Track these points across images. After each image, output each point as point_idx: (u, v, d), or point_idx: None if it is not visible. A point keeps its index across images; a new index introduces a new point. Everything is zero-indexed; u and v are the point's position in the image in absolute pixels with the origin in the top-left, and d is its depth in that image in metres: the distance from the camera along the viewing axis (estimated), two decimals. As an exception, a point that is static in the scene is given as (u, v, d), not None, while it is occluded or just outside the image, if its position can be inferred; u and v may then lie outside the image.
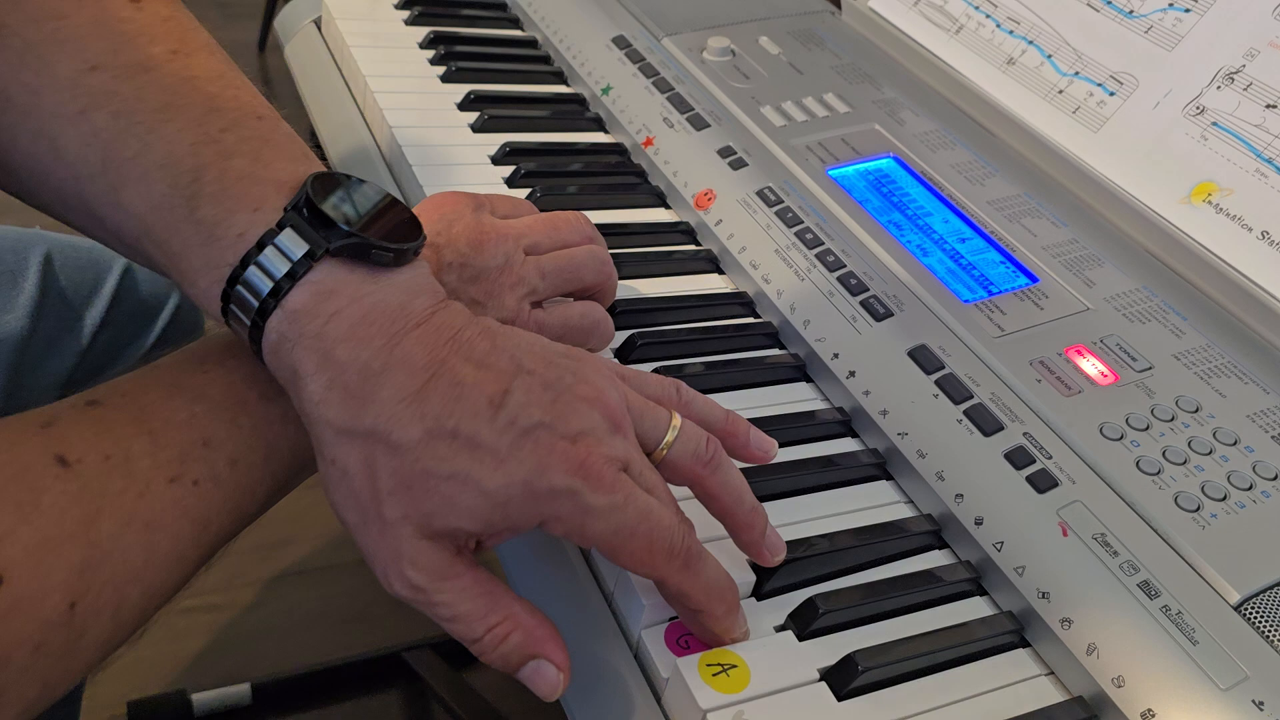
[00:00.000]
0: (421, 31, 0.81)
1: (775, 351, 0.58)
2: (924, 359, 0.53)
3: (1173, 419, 0.50)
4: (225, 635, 1.21)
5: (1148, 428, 0.50)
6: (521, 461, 0.37)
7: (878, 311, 0.56)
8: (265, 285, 0.38)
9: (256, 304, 0.38)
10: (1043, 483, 0.47)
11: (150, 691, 1.12)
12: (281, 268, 0.38)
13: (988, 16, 0.74)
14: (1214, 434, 0.50)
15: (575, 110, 0.76)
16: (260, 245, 0.38)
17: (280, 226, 0.38)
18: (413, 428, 0.37)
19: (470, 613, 0.39)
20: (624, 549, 0.38)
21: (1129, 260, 0.60)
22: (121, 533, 0.36)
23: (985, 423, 0.50)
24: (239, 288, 0.38)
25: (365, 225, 0.39)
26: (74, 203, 0.42)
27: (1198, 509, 0.46)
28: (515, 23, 0.87)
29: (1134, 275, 0.59)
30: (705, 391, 0.53)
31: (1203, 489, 0.47)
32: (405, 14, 0.84)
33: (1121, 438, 0.49)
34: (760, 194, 0.64)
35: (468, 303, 0.48)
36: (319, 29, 0.84)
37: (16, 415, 0.38)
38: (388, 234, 0.40)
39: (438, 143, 0.70)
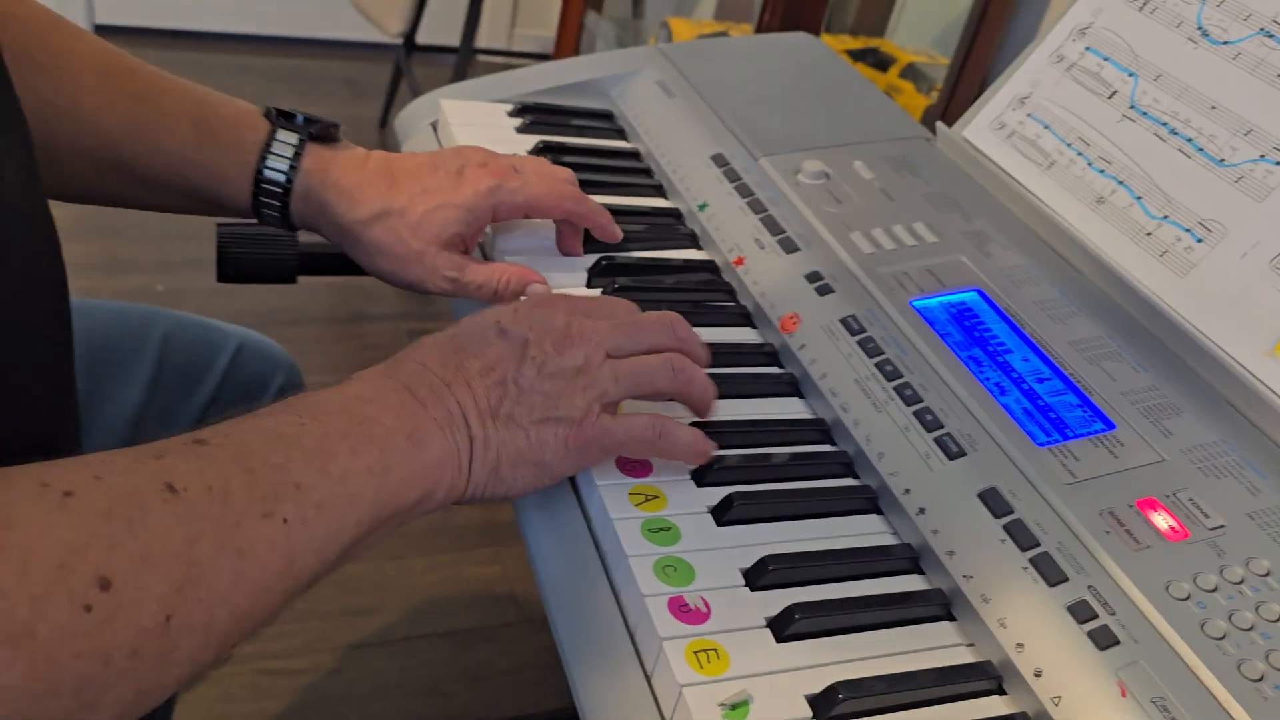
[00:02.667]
0: (531, 140, 0.86)
1: (849, 481, 0.60)
2: (993, 502, 0.54)
3: (1242, 581, 0.50)
4: (305, 699, 1.25)
5: (1215, 589, 0.50)
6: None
7: (951, 449, 0.57)
8: (283, 164, 0.66)
9: (284, 174, 0.66)
10: (1104, 639, 0.48)
11: (230, 747, 1.16)
12: (289, 150, 0.66)
13: (1079, 154, 0.75)
14: (1285, 600, 0.50)
15: (671, 224, 0.80)
16: (268, 143, 0.67)
17: (274, 129, 0.67)
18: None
19: (485, 278, 0.67)
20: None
21: (1209, 412, 0.60)
22: (216, 556, 0.40)
23: (1050, 572, 0.51)
24: (267, 170, 0.66)
25: (315, 123, 0.68)
26: (109, 167, 0.66)
27: (1261, 679, 0.46)
28: (620, 134, 0.91)
29: (1213, 427, 0.59)
30: (777, 520, 0.56)
31: (1267, 658, 0.47)
32: (517, 122, 0.89)
33: (1188, 598, 0.49)
34: (844, 321, 0.66)
35: (541, 399, 0.52)
36: (435, 131, 0.89)
37: (134, 448, 0.42)
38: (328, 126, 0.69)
39: (538, 250, 0.74)
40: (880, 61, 1.64)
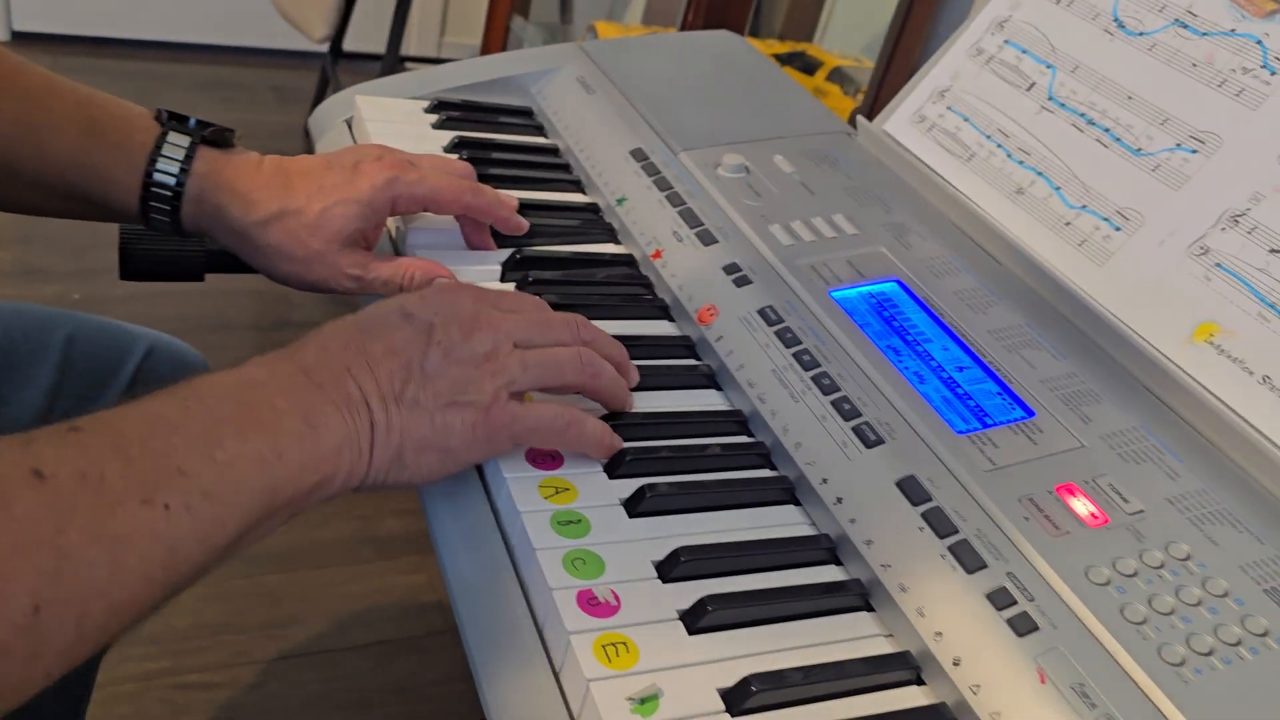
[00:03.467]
0: (447, 135, 0.84)
1: (766, 473, 0.58)
2: (912, 490, 0.53)
3: (1161, 566, 0.50)
4: (222, 715, 1.20)
5: (1135, 574, 0.49)
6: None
7: (869, 438, 0.56)
8: (174, 166, 0.63)
9: (174, 177, 0.63)
10: (1023, 626, 0.47)
11: (142, 767, 1.12)
12: (180, 153, 0.64)
13: (999, 146, 0.75)
14: (1203, 584, 0.49)
15: (590, 219, 0.78)
16: (158, 145, 0.64)
17: (165, 132, 0.64)
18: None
19: (390, 273, 0.65)
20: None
21: (1127, 398, 0.60)
22: (89, 545, 0.38)
23: (969, 560, 0.50)
24: (156, 174, 0.63)
25: (207, 126, 0.66)
26: None
27: (1181, 663, 0.45)
28: (540, 130, 0.90)
29: (1132, 414, 0.59)
30: (692, 511, 0.54)
31: (1188, 642, 0.46)
32: (434, 118, 0.86)
33: (1107, 583, 0.49)
34: (762, 312, 0.65)
35: (447, 384, 0.51)
36: (350, 128, 0.87)
37: (2, 436, 0.40)
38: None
39: (452, 245, 0.72)
40: (807, 65, 1.64)
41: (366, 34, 2.52)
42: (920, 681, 0.48)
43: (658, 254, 0.72)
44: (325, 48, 2.25)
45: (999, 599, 0.48)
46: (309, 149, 2.46)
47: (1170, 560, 0.50)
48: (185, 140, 0.64)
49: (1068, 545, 0.50)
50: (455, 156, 0.80)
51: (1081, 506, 0.52)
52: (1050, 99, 0.73)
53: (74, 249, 1.94)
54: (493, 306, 0.55)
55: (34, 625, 0.36)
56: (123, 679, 1.21)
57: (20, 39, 2.68)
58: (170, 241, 0.71)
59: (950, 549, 0.50)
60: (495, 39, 1.96)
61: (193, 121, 0.66)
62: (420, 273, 0.66)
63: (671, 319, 0.69)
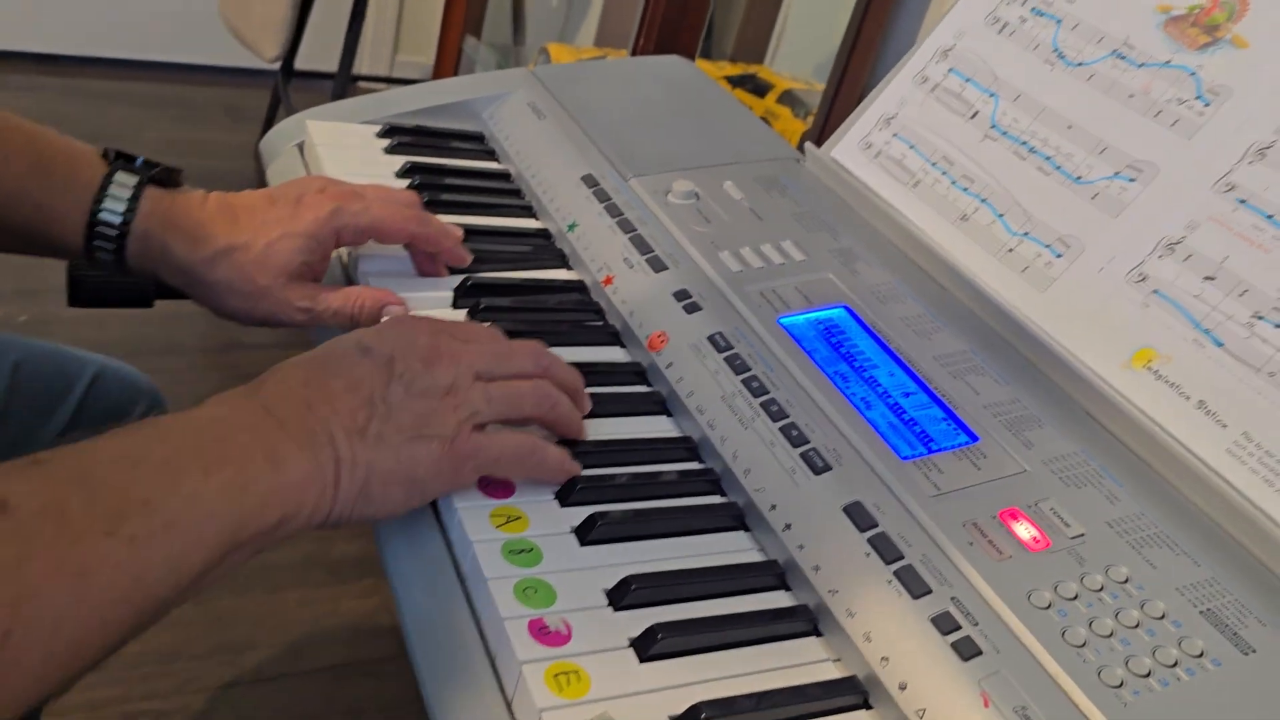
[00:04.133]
0: (399, 161, 0.84)
1: (716, 499, 0.59)
2: (858, 515, 0.54)
3: (1101, 589, 0.51)
4: (172, 745, 1.19)
5: (1076, 597, 0.50)
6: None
7: (816, 465, 0.57)
8: (120, 205, 0.63)
9: (120, 215, 0.63)
10: (967, 650, 0.48)
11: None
12: (126, 192, 0.63)
13: (943, 173, 0.76)
14: (1141, 606, 0.50)
15: (541, 245, 0.78)
16: (104, 184, 0.63)
17: (113, 171, 0.64)
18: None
19: (340, 304, 0.66)
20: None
21: (1069, 423, 0.61)
22: (52, 575, 0.38)
23: (914, 585, 0.50)
24: (102, 213, 0.63)
25: (154, 166, 0.65)
26: None
27: (1120, 685, 0.46)
28: (491, 155, 0.90)
29: (1073, 438, 0.60)
30: (643, 539, 0.54)
31: (1126, 664, 0.47)
32: (385, 143, 0.86)
33: (1049, 606, 0.50)
34: (711, 339, 0.65)
35: (411, 418, 0.51)
36: (301, 153, 0.87)
37: None
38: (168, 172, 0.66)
39: (403, 272, 0.72)
40: (758, 88, 1.66)
41: (319, 53, 2.51)
42: (868, 706, 0.49)
43: (608, 280, 0.73)
44: (277, 66, 2.23)
45: (943, 623, 0.49)
46: (261, 170, 2.44)
47: (1110, 583, 0.51)
48: (132, 180, 0.64)
49: (1010, 569, 0.51)
50: (406, 183, 0.81)
51: (1024, 530, 0.54)
52: (993, 127, 0.75)
53: (18, 269, 1.91)
54: (451, 337, 0.55)
55: (5, 645, 0.36)
56: (71, 708, 1.19)
57: (-31, 56, 2.64)
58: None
59: (896, 574, 0.51)
60: (448, 59, 1.96)
61: (140, 160, 0.66)
62: (370, 301, 0.66)
63: (623, 345, 0.70)
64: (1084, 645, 0.48)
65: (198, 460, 0.45)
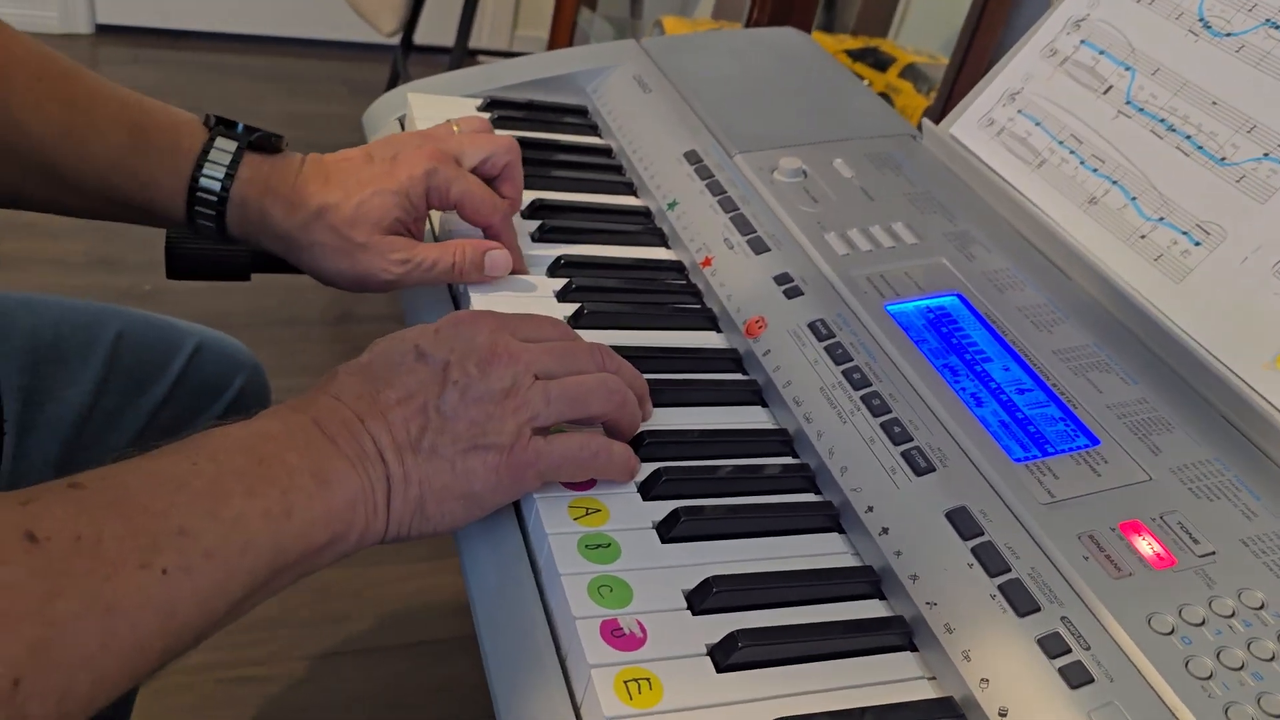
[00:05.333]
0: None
1: (810, 497, 0.55)
2: (962, 522, 0.50)
3: (1232, 615, 0.46)
4: (269, 708, 1.21)
5: (1203, 622, 0.46)
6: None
7: (919, 465, 0.53)
8: (219, 171, 0.63)
9: (219, 182, 0.63)
10: (1076, 677, 0.43)
11: (187, 756, 1.13)
12: (226, 158, 0.63)
13: (1071, 152, 0.70)
14: (1278, 636, 0.45)
15: (640, 224, 0.76)
16: (205, 150, 0.63)
17: (213, 137, 0.64)
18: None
19: (438, 254, 0.64)
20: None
21: (1202, 427, 0.56)
22: (81, 614, 0.36)
23: (1020, 601, 0.46)
24: (203, 179, 0.63)
25: (255, 132, 0.65)
26: (36, 171, 0.63)
27: (1250, 724, 0.42)
28: (594, 130, 0.87)
29: (1206, 445, 0.55)
30: (729, 538, 0.51)
31: (1259, 702, 0.43)
32: (485, 116, 0.85)
33: (1171, 632, 0.45)
34: (812, 326, 0.62)
35: (467, 426, 0.48)
36: (402, 126, 0.86)
37: (5, 493, 0.38)
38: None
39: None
40: (880, 62, 1.59)
41: (438, 27, 2.52)
42: (965, 731, 0.45)
43: (707, 261, 0.70)
44: (396, 40, 2.25)
45: (1052, 645, 0.45)
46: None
47: (1243, 609, 0.46)
48: (232, 145, 0.64)
49: (1130, 588, 0.47)
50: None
51: (1146, 546, 0.49)
52: (1128, 103, 0.69)
53: (143, 240, 1.96)
54: (512, 334, 0.52)
55: (11, 698, 0.34)
56: (179, 669, 1.21)
57: (103, 31, 2.74)
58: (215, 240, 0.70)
59: (1001, 588, 0.47)
60: (562, 32, 1.94)
61: (240, 127, 0.65)
62: (471, 249, 0.64)
63: (719, 330, 0.67)
64: (1210, 678, 0.43)
65: (242, 482, 0.43)
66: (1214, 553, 0.49)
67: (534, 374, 0.51)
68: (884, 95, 1.56)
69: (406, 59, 2.24)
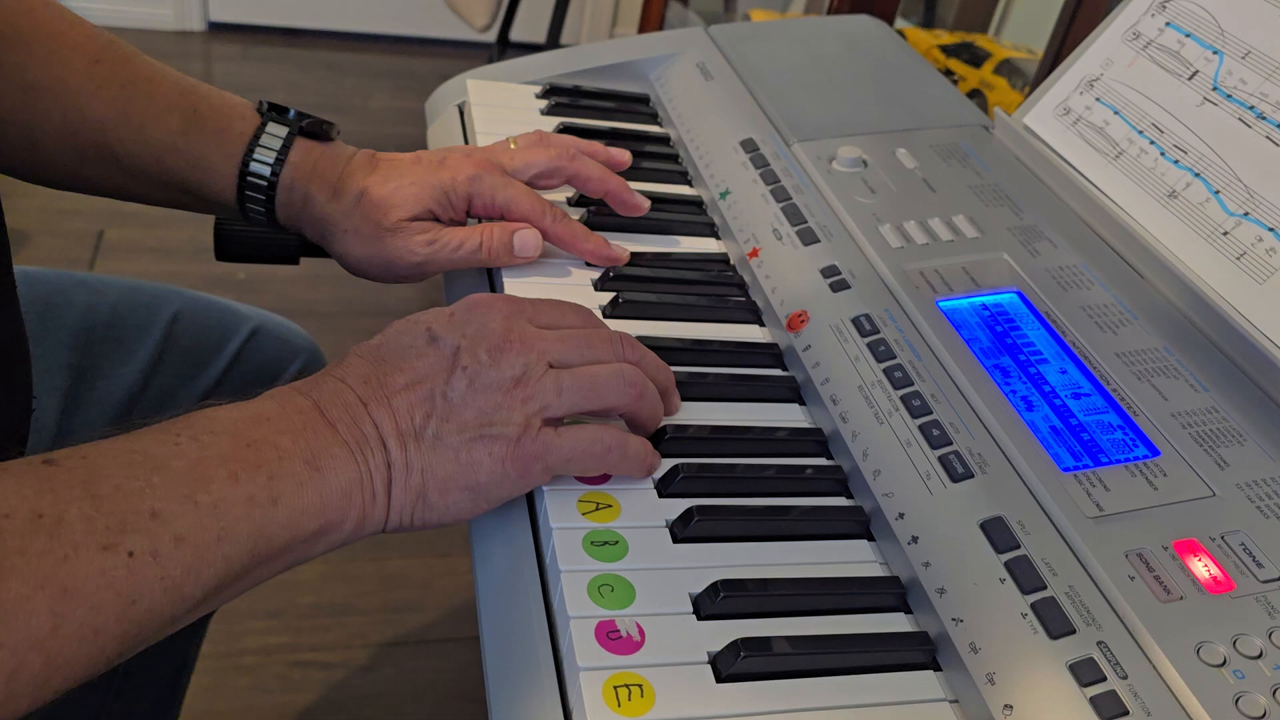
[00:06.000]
0: (554, 121, 0.80)
1: (840, 501, 0.52)
2: (997, 533, 0.46)
3: (1295, 648, 0.41)
4: (334, 695, 1.21)
5: (1260, 655, 0.41)
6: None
7: (955, 470, 0.49)
8: (270, 155, 0.63)
9: (269, 167, 0.63)
10: (1109, 709, 0.39)
11: (252, 741, 1.14)
12: (276, 143, 0.63)
13: (1152, 143, 0.66)
14: (1348, 674, 0.41)
15: (691, 214, 0.73)
16: (257, 135, 0.63)
17: (264, 122, 0.64)
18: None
19: (465, 235, 0.62)
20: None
21: (1278, 441, 0.51)
22: (31, 596, 0.35)
23: (1054, 622, 0.43)
24: (253, 163, 0.63)
25: (306, 118, 0.65)
26: (93, 153, 0.63)
27: (1306, 772, 0.37)
28: (654, 118, 0.85)
29: (1282, 460, 0.50)
30: (747, 540, 0.49)
31: (1317, 746, 0.38)
32: (543, 104, 0.83)
33: (1223, 664, 0.41)
34: (855, 321, 0.58)
35: (474, 414, 0.46)
36: (461, 113, 0.85)
37: None
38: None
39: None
40: (974, 57, 1.53)
41: (535, 25, 2.53)
42: (985, 759, 0.42)
43: (754, 252, 0.67)
44: (493, 38, 2.27)
45: (1084, 673, 0.41)
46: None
47: (1309, 642, 0.42)
48: (283, 131, 0.64)
49: (1179, 614, 0.42)
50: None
51: (1203, 568, 0.44)
52: (1215, 89, 0.64)
53: (244, 229, 2.01)
54: (529, 321, 0.50)
55: None
56: (243, 651, 1.23)
57: (216, 29, 2.82)
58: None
59: (1033, 606, 0.43)
60: (651, 25, 1.92)
61: (292, 113, 0.65)
62: (499, 230, 0.63)
63: (762, 324, 0.64)
64: (1263, 718, 0.39)
65: (226, 466, 0.41)
66: (1279, 578, 0.44)
67: (548, 362, 0.48)
68: (977, 92, 1.50)
69: (503, 56, 2.25)
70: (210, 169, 0.64)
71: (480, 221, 0.65)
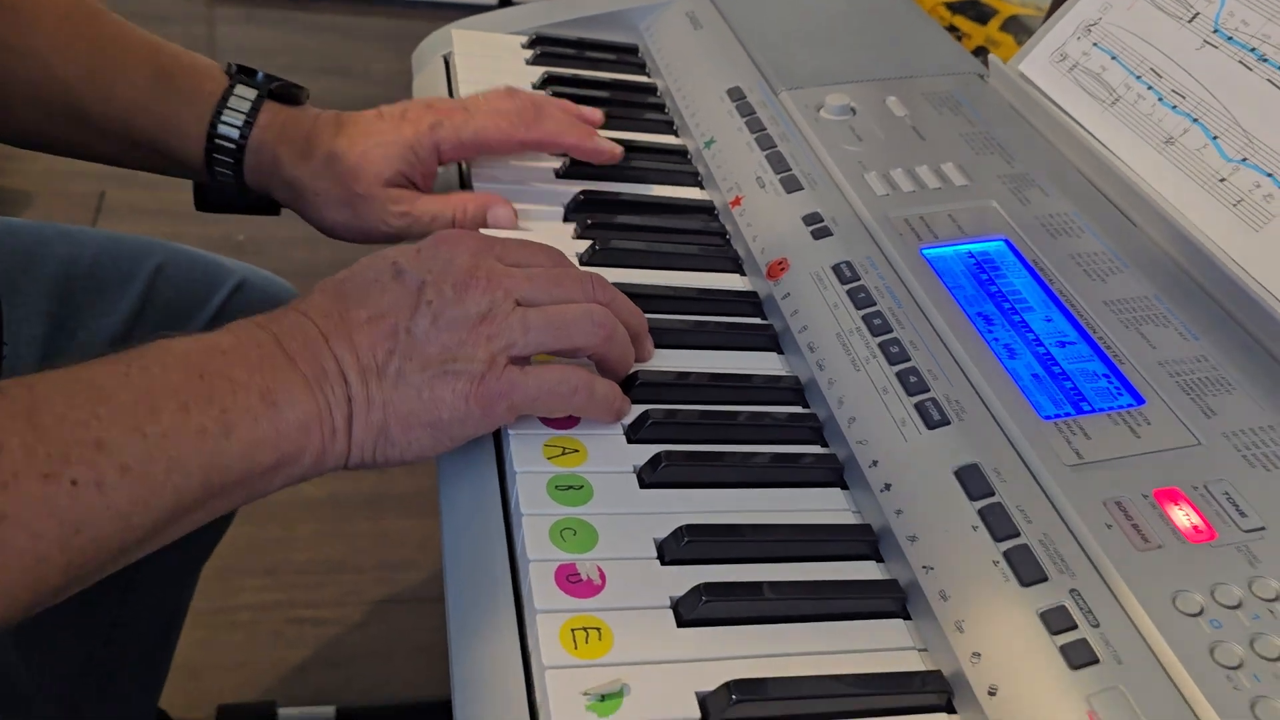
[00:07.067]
0: (538, 72, 0.79)
1: (814, 449, 0.51)
2: (971, 480, 0.45)
3: (1275, 599, 0.40)
4: (328, 651, 1.21)
5: (1239, 605, 0.40)
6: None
7: (931, 417, 0.48)
8: (239, 118, 0.62)
9: (237, 129, 0.62)
10: (1078, 656, 0.38)
11: (246, 692, 1.14)
12: (245, 105, 0.62)
13: (1149, 88, 0.64)
14: (1328, 625, 0.39)
15: (675, 163, 0.71)
16: (225, 96, 0.62)
17: (233, 84, 0.63)
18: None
19: (440, 207, 0.62)
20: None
21: (1268, 388, 0.49)
22: None
23: (1025, 569, 0.41)
24: (221, 126, 0.62)
25: (275, 80, 0.64)
26: (61, 112, 0.62)
27: (1280, 722, 0.36)
28: (642, 68, 0.83)
29: (1271, 409, 0.48)
30: (717, 486, 0.48)
31: (1293, 697, 0.37)
32: (529, 54, 0.81)
33: (1199, 613, 0.39)
34: (836, 268, 0.57)
35: (438, 350, 0.45)
36: (446, 64, 0.83)
37: None
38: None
39: (518, 183, 0.67)
40: (981, 14, 1.50)
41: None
42: (951, 709, 0.41)
43: (736, 201, 0.65)
44: (495, 1, 2.24)
45: (1054, 620, 0.39)
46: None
47: (1289, 592, 0.40)
48: (251, 94, 0.63)
49: (1155, 562, 0.41)
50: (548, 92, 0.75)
51: (1183, 516, 0.43)
52: (1215, 31, 0.62)
53: (245, 191, 2.00)
54: (497, 259, 0.48)
55: None
56: (238, 607, 1.23)
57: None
58: None
59: (1006, 554, 0.42)
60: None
61: (260, 75, 0.64)
62: (474, 204, 0.62)
63: (743, 273, 0.62)
64: (1238, 668, 0.38)
65: (176, 397, 0.40)
66: (1263, 529, 0.43)
67: (515, 300, 0.47)
68: (983, 49, 1.48)
69: (506, 17, 2.23)
70: (180, 130, 0.63)
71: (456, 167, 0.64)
